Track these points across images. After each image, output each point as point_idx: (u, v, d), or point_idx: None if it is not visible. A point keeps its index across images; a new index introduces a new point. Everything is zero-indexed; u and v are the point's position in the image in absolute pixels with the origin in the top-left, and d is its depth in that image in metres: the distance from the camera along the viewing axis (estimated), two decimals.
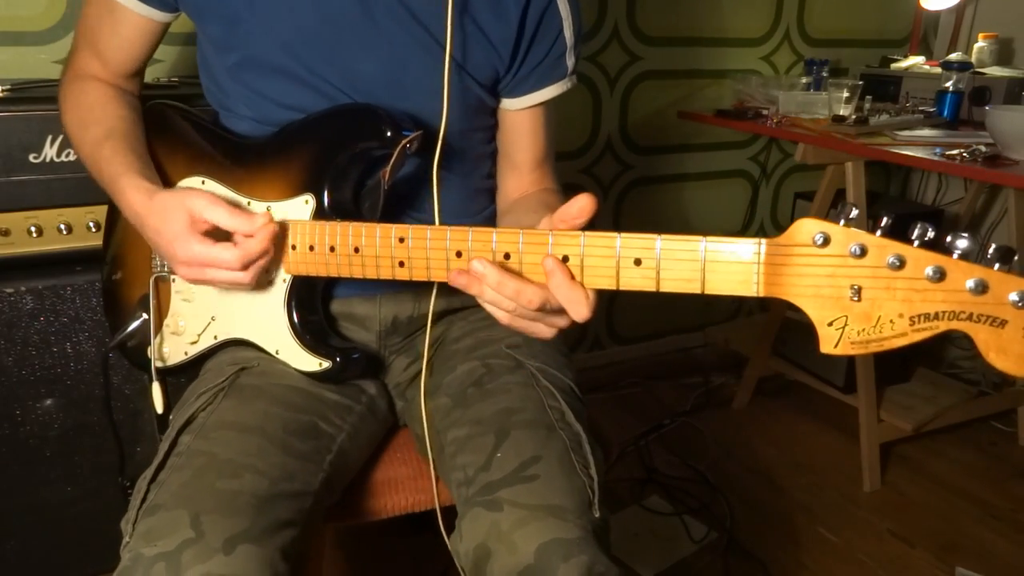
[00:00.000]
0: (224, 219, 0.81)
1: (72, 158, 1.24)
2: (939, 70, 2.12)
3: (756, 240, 0.61)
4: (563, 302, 0.68)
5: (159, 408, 0.98)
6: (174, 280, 0.98)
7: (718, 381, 2.35)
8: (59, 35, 1.52)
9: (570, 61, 0.97)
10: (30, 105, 1.22)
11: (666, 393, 2.29)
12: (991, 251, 0.54)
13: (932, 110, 2.02)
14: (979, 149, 1.56)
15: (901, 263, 0.56)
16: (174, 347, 0.98)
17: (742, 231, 2.55)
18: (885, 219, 0.57)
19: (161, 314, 0.99)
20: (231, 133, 0.95)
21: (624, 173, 2.29)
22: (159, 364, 0.99)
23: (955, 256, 0.55)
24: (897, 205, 2.54)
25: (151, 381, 0.98)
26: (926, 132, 1.82)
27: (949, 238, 0.55)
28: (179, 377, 1.02)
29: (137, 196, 0.85)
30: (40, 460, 1.31)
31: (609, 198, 2.29)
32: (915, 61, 2.33)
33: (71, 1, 1.51)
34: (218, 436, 0.82)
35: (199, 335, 0.96)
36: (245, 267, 0.81)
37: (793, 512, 1.81)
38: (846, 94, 1.95)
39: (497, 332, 0.99)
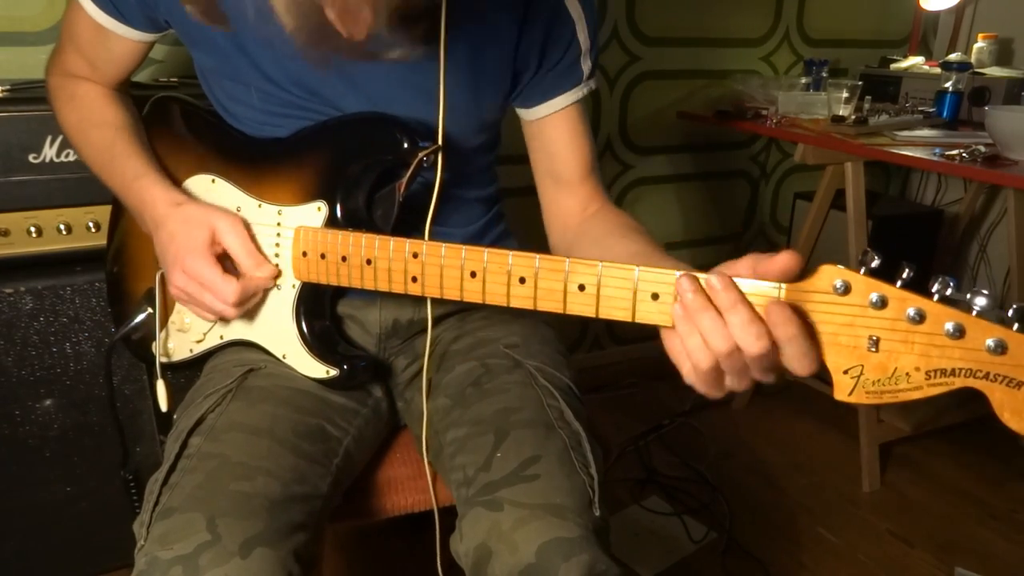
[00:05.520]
0: (239, 250, 0.85)
1: (72, 158, 1.24)
2: (938, 70, 2.13)
3: (776, 284, 0.60)
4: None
5: (163, 406, 0.98)
6: None
7: None
8: (58, 35, 1.51)
9: (586, 65, 0.92)
10: (30, 105, 1.22)
11: (666, 393, 2.29)
12: (1011, 311, 0.54)
13: (931, 110, 2.02)
14: (978, 149, 1.56)
15: (921, 318, 0.56)
16: (179, 344, 0.98)
17: (742, 231, 2.55)
18: (907, 271, 0.57)
19: (167, 310, 0.99)
20: (241, 133, 0.94)
21: (624, 173, 2.29)
22: (163, 359, 0.99)
23: (974, 312, 0.55)
24: (896, 205, 2.54)
25: (154, 378, 0.98)
26: (925, 132, 1.82)
27: (969, 295, 0.55)
28: (178, 377, 1.02)
29: (163, 197, 0.87)
30: (39, 460, 1.31)
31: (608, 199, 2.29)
32: (914, 61, 2.33)
33: None
34: (229, 438, 0.82)
35: (205, 334, 0.95)
36: (238, 303, 0.84)
37: (793, 512, 1.81)
38: (846, 94, 1.95)
39: (495, 332, 0.99)
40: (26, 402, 1.28)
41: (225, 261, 0.86)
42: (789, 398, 2.30)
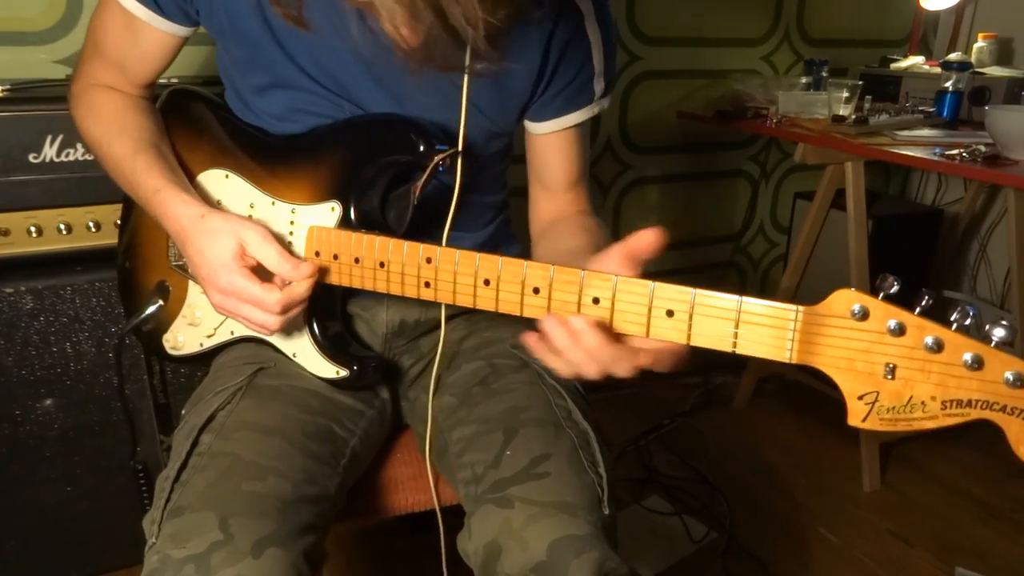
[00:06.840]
0: (273, 260, 0.80)
1: (71, 158, 1.24)
2: (939, 70, 2.12)
3: (794, 307, 0.60)
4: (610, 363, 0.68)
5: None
6: None
7: (718, 381, 2.35)
8: (59, 35, 1.51)
9: (598, 86, 0.93)
10: (30, 105, 1.22)
11: (666, 393, 2.29)
12: None
13: (932, 110, 2.02)
14: (979, 149, 1.56)
15: (939, 347, 0.56)
16: (189, 337, 0.98)
17: (742, 231, 2.55)
18: (926, 298, 0.56)
19: (178, 303, 0.98)
20: (257, 129, 0.93)
21: (624, 173, 2.29)
22: (173, 352, 0.99)
23: (993, 344, 0.54)
24: (897, 205, 2.54)
25: (153, 377, 0.98)
26: (926, 132, 1.82)
27: (988, 325, 0.55)
28: (179, 372, 1.02)
29: (184, 212, 0.83)
30: (40, 460, 1.31)
31: (609, 198, 2.29)
32: (915, 61, 2.33)
33: (71, 1, 1.51)
34: (240, 437, 0.82)
35: (216, 329, 0.95)
36: (283, 311, 0.80)
37: (793, 512, 1.81)
38: (846, 94, 1.95)
39: (501, 332, 0.99)
40: (26, 402, 1.28)
41: (260, 272, 0.82)
42: (789, 398, 2.29)
